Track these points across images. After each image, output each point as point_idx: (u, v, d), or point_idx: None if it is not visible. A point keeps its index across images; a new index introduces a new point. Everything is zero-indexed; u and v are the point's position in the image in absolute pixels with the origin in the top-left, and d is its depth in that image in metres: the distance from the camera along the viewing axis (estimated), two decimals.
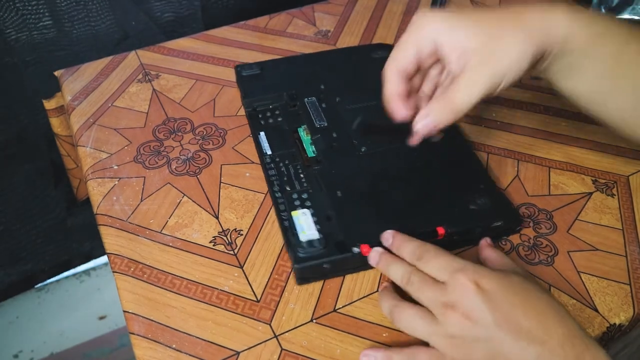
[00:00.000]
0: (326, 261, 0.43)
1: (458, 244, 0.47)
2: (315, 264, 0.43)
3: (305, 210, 0.47)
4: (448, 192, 0.48)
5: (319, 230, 0.45)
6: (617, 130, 0.44)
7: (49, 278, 1.01)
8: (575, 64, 0.40)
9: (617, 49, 0.39)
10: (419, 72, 0.43)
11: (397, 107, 0.41)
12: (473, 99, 0.39)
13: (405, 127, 0.42)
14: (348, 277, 0.45)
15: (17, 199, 0.84)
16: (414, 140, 0.42)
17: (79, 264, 1.02)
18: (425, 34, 0.39)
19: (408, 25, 0.41)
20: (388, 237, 0.43)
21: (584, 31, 0.38)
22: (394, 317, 0.39)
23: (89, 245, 0.99)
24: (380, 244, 0.43)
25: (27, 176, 0.83)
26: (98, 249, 1.00)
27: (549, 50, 0.39)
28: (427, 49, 0.40)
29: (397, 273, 0.40)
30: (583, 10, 0.39)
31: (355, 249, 0.43)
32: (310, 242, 0.43)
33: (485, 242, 0.45)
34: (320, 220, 0.46)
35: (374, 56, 0.63)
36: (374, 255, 0.43)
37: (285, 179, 0.50)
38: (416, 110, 0.42)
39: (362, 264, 0.44)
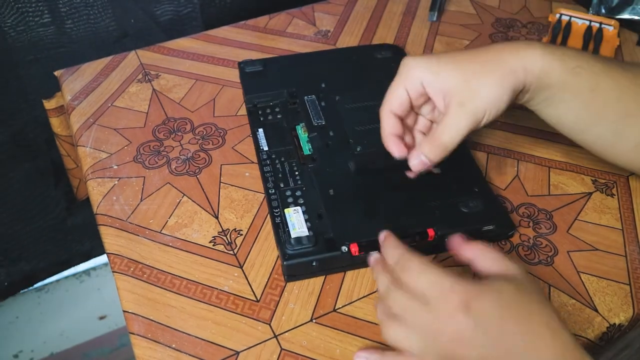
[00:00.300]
0: (315, 259, 0.43)
1: None
2: (303, 261, 0.43)
3: (298, 207, 0.47)
4: (441, 194, 0.48)
5: (309, 228, 0.45)
6: (600, 156, 0.46)
7: (49, 277, 1.01)
8: (554, 97, 0.42)
9: (593, 81, 0.42)
10: (412, 110, 0.46)
11: (393, 145, 0.45)
12: (458, 137, 0.42)
13: (399, 162, 0.44)
14: (348, 276, 0.45)
15: (17, 199, 0.84)
16: (412, 175, 0.45)
17: (79, 264, 1.02)
18: (413, 78, 0.43)
19: (398, 69, 0.44)
20: (381, 237, 0.42)
21: (558, 67, 0.41)
22: (382, 332, 0.37)
23: (89, 244, 0.99)
24: (369, 244, 0.43)
25: (27, 176, 0.83)
26: (98, 249, 1.00)
27: (528, 86, 0.42)
28: (416, 91, 0.43)
29: (381, 284, 0.39)
30: (557, 47, 0.42)
31: (344, 248, 0.43)
32: (299, 240, 0.44)
33: (458, 238, 0.39)
34: (311, 218, 0.46)
35: (378, 56, 0.63)
36: (370, 259, 0.42)
37: (280, 175, 0.50)
38: (412, 146, 0.45)
39: (351, 263, 0.44)
